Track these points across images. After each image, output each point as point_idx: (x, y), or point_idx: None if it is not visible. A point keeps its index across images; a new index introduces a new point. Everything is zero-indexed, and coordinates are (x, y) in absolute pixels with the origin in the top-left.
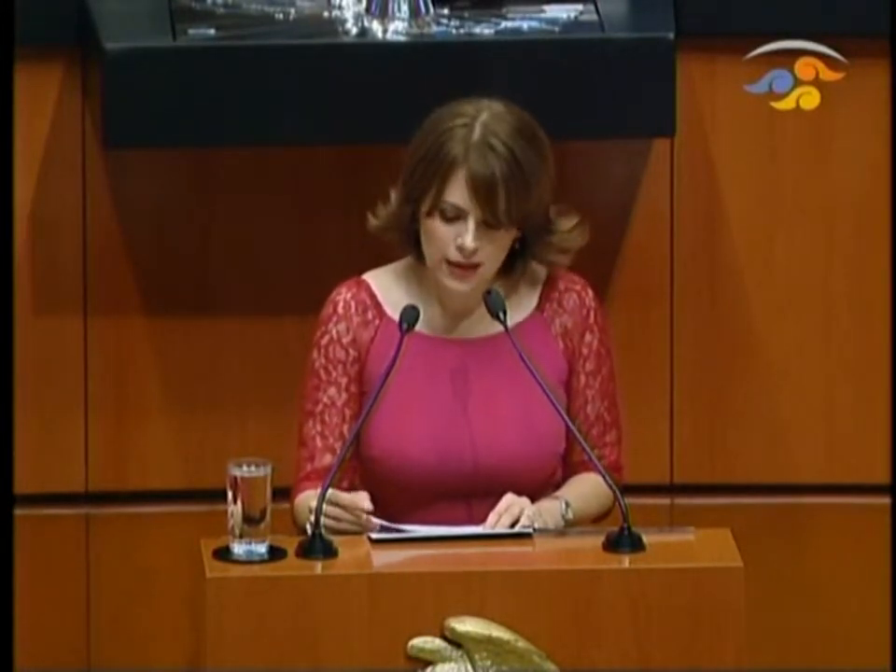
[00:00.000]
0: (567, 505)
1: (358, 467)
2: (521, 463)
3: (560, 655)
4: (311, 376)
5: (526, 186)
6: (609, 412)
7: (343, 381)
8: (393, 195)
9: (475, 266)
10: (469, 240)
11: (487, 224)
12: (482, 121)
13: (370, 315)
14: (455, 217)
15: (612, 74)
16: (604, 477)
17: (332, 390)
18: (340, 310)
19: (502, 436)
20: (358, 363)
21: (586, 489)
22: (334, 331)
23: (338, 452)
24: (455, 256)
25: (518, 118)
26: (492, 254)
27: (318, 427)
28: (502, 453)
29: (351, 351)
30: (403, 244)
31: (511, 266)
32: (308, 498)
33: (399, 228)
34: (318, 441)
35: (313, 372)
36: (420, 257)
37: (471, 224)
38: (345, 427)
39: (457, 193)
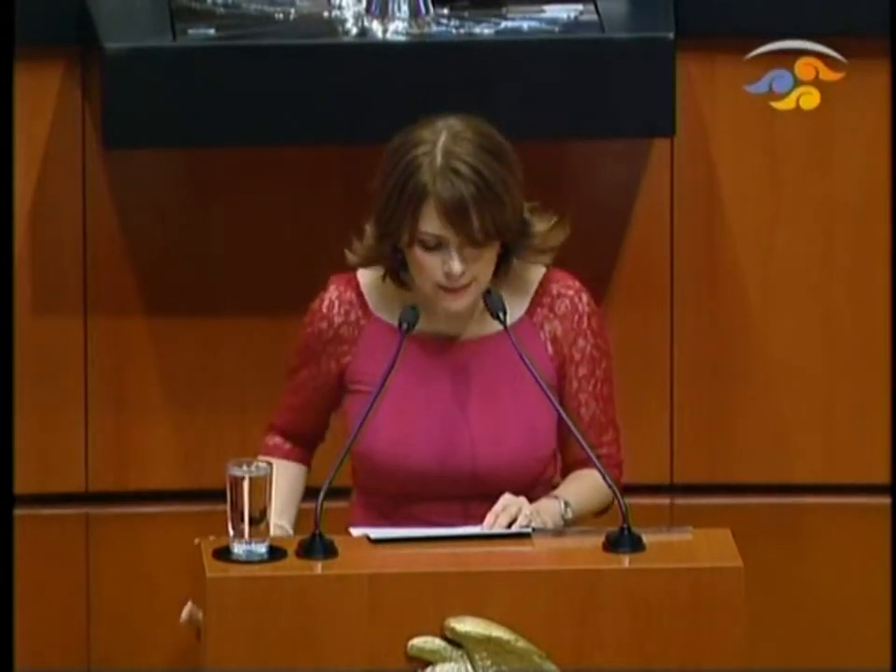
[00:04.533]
0: (567, 504)
1: (354, 465)
2: (518, 463)
3: (560, 655)
4: (293, 354)
5: (498, 200)
6: (604, 413)
7: (313, 369)
8: (368, 230)
9: (467, 285)
10: (455, 266)
11: (469, 245)
12: (442, 146)
13: (353, 316)
14: (437, 244)
15: (612, 74)
16: (604, 477)
17: (304, 371)
18: (324, 309)
19: (500, 437)
20: (335, 360)
21: (584, 487)
22: (316, 327)
23: (295, 419)
24: (445, 282)
25: (476, 131)
26: (481, 269)
27: (289, 399)
28: (500, 454)
29: (329, 348)
30: (387, 272)
31: (495, 269)
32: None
33: (379, 261)
34: (286, 413)
35: (294, 351)
36: (406, 277)
37: (453, 250)
38: (311, 406)
39: (432, 223)
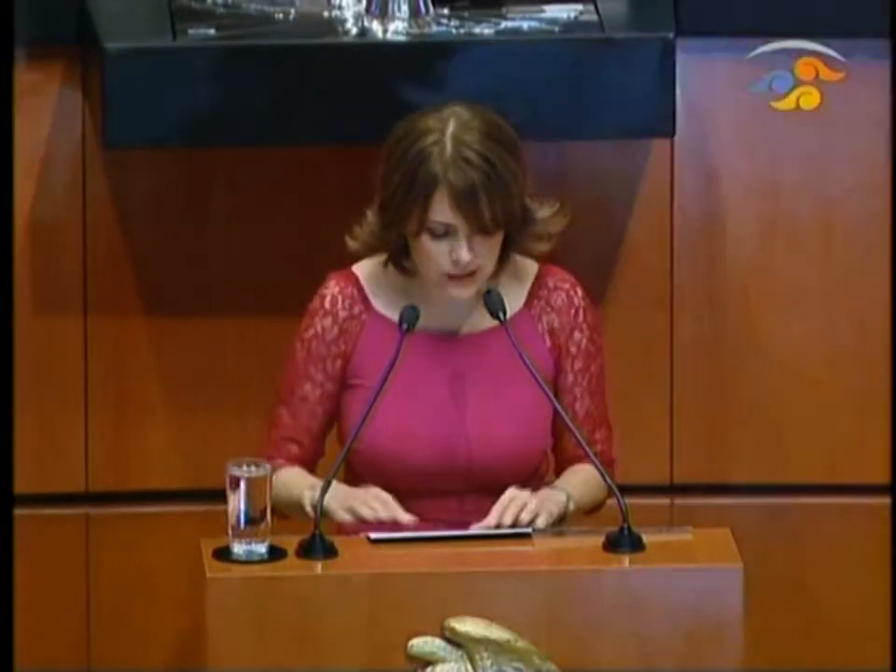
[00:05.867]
0: (569, 497)
1: (350, 464)
2: (514, 459)
3: (560, 655)
4: (290, 366)
5: (506, 188)
6: (598, 409)
7: (320, 377)
8: (370, 216)
9: (473, 272)
10: (463, 254)
11: (478, 233)
12: (451, 135)
13: (356, 310)
14: (445, 232)
15: (612, 74)
16: (604, 477)
17: (307, 386)
18: (326, 304)
19: (498, 433)
20: (342, 358)
21: (582, 480)
22: (319, 326)
23: (304, 443)
24: (452, 269)
25: (483, 120)
26: (487, 257)
27: (289, 419)
28: (498, 451)
29: (333, 347)
30: (390, 258)
31: (498, 261)
32: (278, 479)
33: (383, 248)
34: (286, 431)
35: (292, 363)
36: (409, 264)
37: (462, 237)
38: (314, 424)
39: (442, 211)
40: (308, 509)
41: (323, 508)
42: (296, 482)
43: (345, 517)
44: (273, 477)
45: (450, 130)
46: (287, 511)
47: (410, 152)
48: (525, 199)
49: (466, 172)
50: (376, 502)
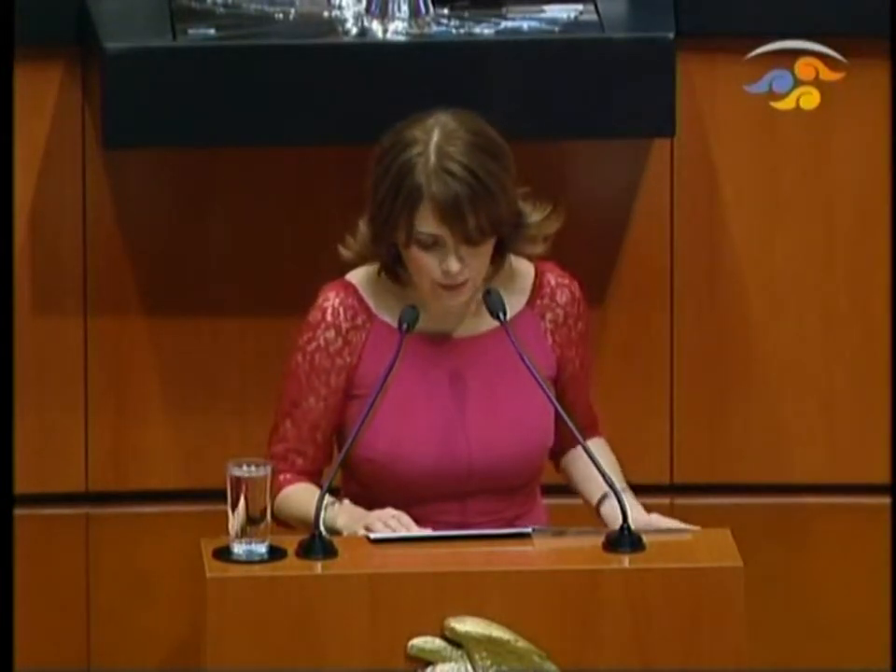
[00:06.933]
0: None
1: (347, 464)
2: (516, 461)
3: (560, 655)
4: (292, 378)
5: (492, 198)
6: (591, 380)
7: (323, 391)
8: (362, 227)
9: (465, 281)
10: (452, 265)
11: (465, 243)
12: (435, 145)
13: (359, 320)
14: (433, 243)
15: (612, 74)
16: (604, 477)
17: (311, 399)
18: (329, 317)
19: (498, 436)
20: (346, 370)
21: (618, 477)
22: (322, 339)
23: (308, 454)
24: (443, 279)
25: (469, 129)
26: (478, 265)
27: (293, 431)
28: (498, 453)
29: (338, 360)
30: (383, 268)
31: (492, 263)
32: (290, 497)
33: (375, 258)
34: (291, 444)
35: (294, 376)
36: (402, 273)
37: (450, 248)
38: (318, 435)
39: (428, 223)
40: (322, 529)
41: (331, 521)
42: (309, 501)
43: (362, 533)
44: (285, 495)
45: (434, 140)
46: (299, 527)
47: (395, 163)
48: (517, 203)
49: (449, 184)
50: (393, 520)
